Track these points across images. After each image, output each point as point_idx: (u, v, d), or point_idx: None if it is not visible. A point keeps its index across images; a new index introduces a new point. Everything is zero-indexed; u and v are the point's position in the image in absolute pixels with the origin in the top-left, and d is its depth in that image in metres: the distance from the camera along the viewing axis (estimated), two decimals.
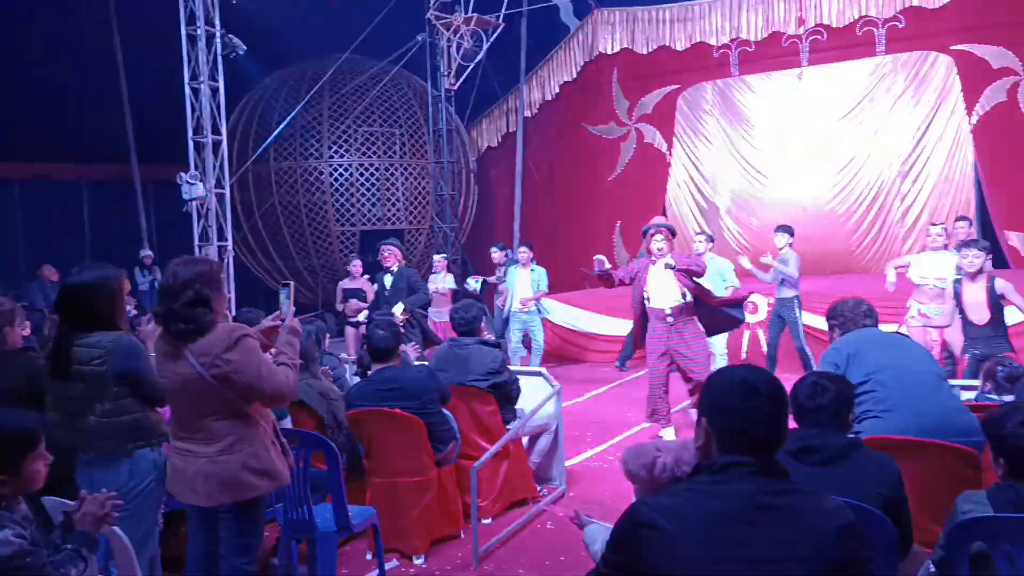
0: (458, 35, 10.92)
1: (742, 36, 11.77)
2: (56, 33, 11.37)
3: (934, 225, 6.56)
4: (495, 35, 11.17)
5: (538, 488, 4.92)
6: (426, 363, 4.69)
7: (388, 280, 7.29)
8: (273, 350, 2.88)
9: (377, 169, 11.89)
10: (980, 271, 5.24)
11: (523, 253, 8.53)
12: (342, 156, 11.82)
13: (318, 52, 11.71)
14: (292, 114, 10.79)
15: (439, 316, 8.36)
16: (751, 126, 12.10)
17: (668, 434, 5.91)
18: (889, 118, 11.27)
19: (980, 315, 5.23)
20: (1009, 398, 3.45)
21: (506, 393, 4.61)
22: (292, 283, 3.08)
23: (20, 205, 12.92)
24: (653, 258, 5.76)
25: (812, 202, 11.69)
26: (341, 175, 11.81)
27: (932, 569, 2.57)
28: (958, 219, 7.18)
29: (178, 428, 2.80)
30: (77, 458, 3.01)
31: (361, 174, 11.84)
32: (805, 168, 11.71)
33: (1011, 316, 5.52)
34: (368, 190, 11.85)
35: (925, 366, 3.44)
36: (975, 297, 5.24)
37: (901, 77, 11.21)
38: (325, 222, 11.82)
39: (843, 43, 11.22)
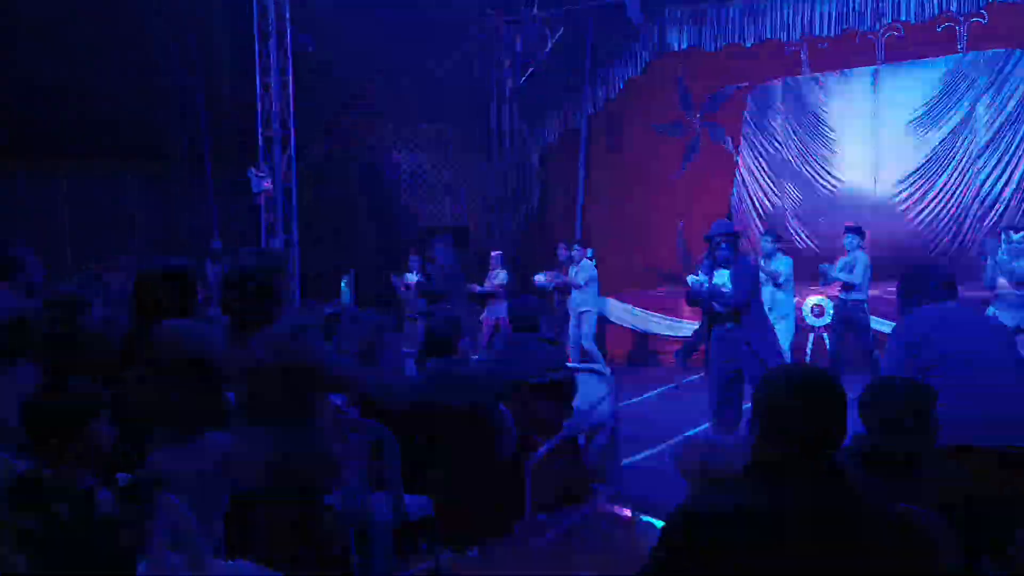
0: (522, 32, 10.92)
1: (815, 33, 11.46)
2: (136, 33, 11.79)
3: (1016, 232, 6.32)
4: (560, 32, 11.14)
5: (593, 486, 4.88)
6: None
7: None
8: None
9: (439, 166, 12.01)
10: None
11: (576, 252, 8.56)
12: (404, 152, 11.97)
13: (377, 46, 11.85)
14: (351, 110, 10.97)
15: (492, 313, 8.38)
16: (822, 125, 11.78)
17: None
18: (970, 116, 10.83)
19: None
20: None
21: (563, 390, 4.59)
22: (353, 271, 3.13)
23: (98, 199, 13.45)
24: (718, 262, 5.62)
25: (884, 204, 11.31)
26: (404, 171, 11.96)
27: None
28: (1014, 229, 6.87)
29: (244, 415, 2.88)
30: (148, 439, 3.13)
31: (423, 171, 11.98)
32: (878, 169, 11.34)
33: None
34: (429, 186, 11.98)
35: (1003, 351, 3.17)
36: None
37: (983, 75, 10.75)
38: (387, 218, 11.99)
39: (921, 40, 10.82)
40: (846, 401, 1.58)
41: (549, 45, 11.17)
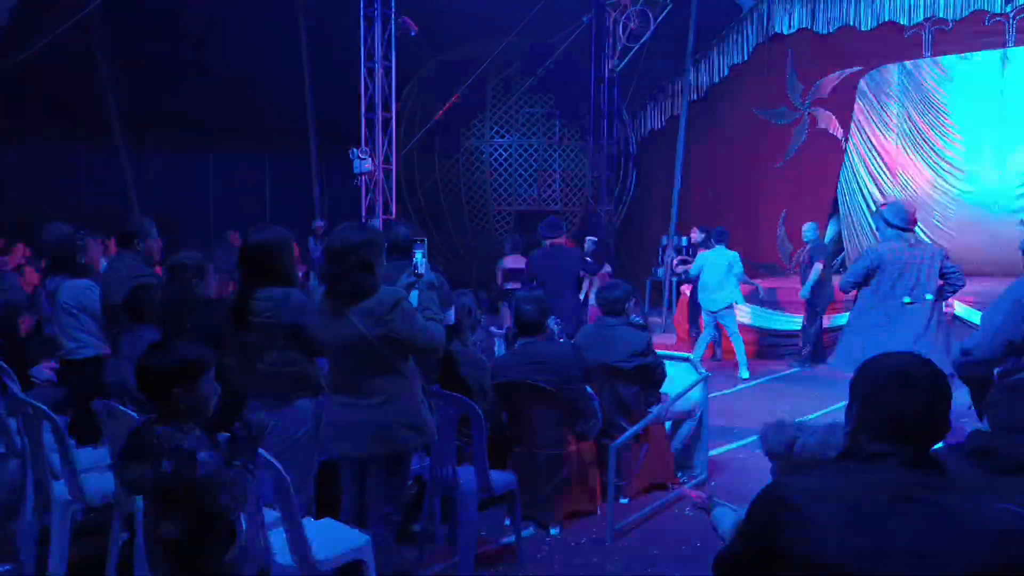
0: (625, 15, 10.78)
1: (939, 15, 10.78)
2: (251, 20, 12.33)
3: None
4: (663, 14, 10.93)
5: (678, 475, 4.84)
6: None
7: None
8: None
9: (536, 150, 12.04)
10: None
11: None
12: (503, 136, 12.06)
13: (486, 34, 11.97)
14: (455, 95, 11.12)
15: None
16: (942, 112, 11.13)
17: None
18: None
19: None
20: None
21: (650, 376, 4.56)
22: (426, 239, 3.20)
23: (212, 178, 14.21)
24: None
25: (1006, 202, 10.60)
26: (501, 155, 12.06)
27: None
28: None
29: (338, 383, 3.01)
30: (248, 402, 3.31)
31: (520, 154, 12.04)
32: (1003, 162, 10.62)
33: None
34: (527, 171, 12.04)
35: None
36: None
37: None
38: (484, 201, 12.13)
39: None
40: (950, 393, 1.52)
41: (652, 28, 10.97)
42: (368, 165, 9.12)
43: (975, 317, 7.71)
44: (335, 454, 3.26)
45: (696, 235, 8.96)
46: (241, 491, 2.07)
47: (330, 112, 12.13)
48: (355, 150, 9.29)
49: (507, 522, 4.18)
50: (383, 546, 2.99)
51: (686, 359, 5.04)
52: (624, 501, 4.46)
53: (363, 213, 9.57)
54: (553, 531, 4.14)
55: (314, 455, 3.44)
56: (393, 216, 9.74)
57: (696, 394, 4.82)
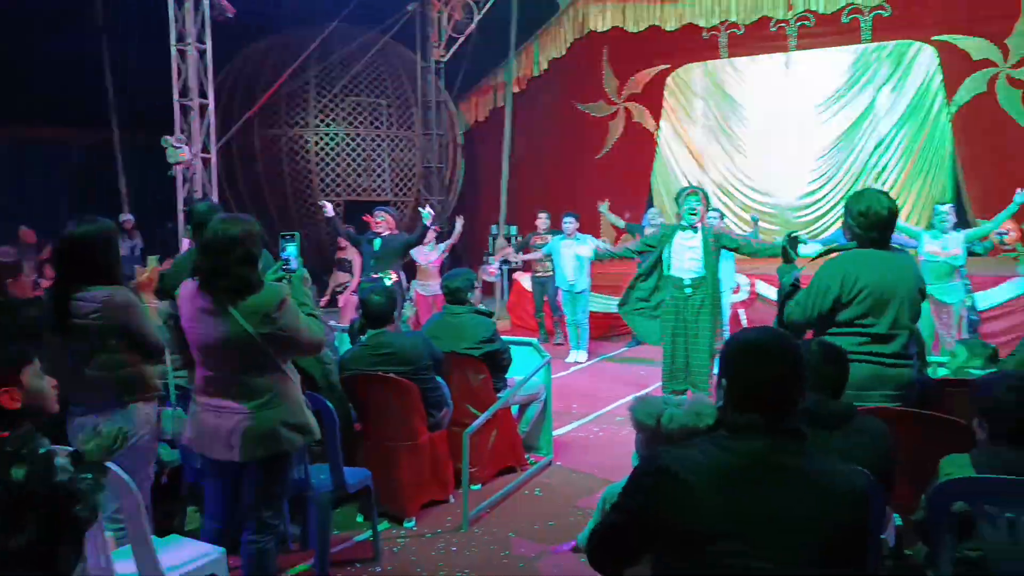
0: (449, 6, 10.82)
1: (731, 19, 11.79)
2: None
3: (942, 204, 6.79)
4: (486, 8, 11.09)
5: (526, 456, 4.99)
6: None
7: (377, 244, 7.27)
8: None
9: (364, 139, 11.80)
10: None
11: (569, 224, 8.36)
12: (328, 125, 11.71)
13: (307, 19, 11.55)
14: (279, 82, 10.65)
15: (425, 289, 8.35)
16: (739, 108, 12.17)
17: None
18: (872, 104, 11.40)
19: None
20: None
21: (498, 362, 4.66)
22: (298, 233, 3.09)
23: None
24: (682, 224, 5.69)
25: (796, 186, 11.82)
26: (327, 144, 11.70)
27: (898, 523, 2.67)
28: (940, 203, 7.32)
29: (210, 385, 2.83)
30: (69, 411, 3.01)
31: (347, 144, 11.74)
32: (791, 151, 11.82)
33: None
34: (354, 160, 11.76)
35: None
36: None
37: (885, 65, 11.32)
38: (310, 191, 11.72)
39: (830, 29, 11.27)
40: (803, 363, 1.68)
41: (475, 20, 11.10)
42: (184, 154, 8.52)
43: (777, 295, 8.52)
44: (217, 458, 3.04)
45: (544, 221, 9.18)
46: (93, 503, 1.90)
47: (140, 97, 11.19)
48: (168, 137, 8.64)
49: (359, 518, 4.13)
50: (264, 552, 2.86)
51: (529, 343, 5.18)
52: (476, 488, 4.53)
53: (179, 206, 8.94)
54: (408, 524, 4.13)
55: (149, 465, 3.21)
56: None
57: (540, 377, 4.98)
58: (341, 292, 8.28)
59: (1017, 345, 3.90)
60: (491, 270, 9.72)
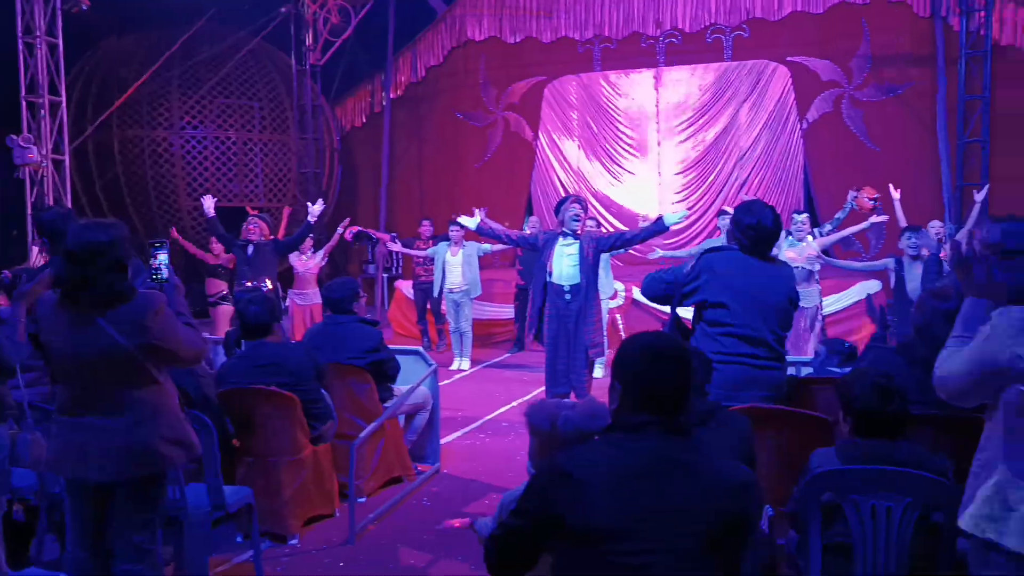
0: (325, 9, 10.59)
1: (604, 33, 12.20)
2: None
3: (799, 213, 7.25)
4: (363, 12, 10.93)
5: (413, 466, 4.94)
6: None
7: (251, 250, 6.99)
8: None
9: (235, 143, 11.33)
10: (919, 255, 5.99)
11: (457, 231, 8.27)
12: (195, 128, 11.16)
13: (171, 14, 10.97)
14: (142, 79, 10.05)
15: (303, 298, 8.10)
16: (613, 120, 12.60)
17: None
18: (734, 119, 12.11)
19: (915, 292, 5.97)
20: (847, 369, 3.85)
21: (385, 371, 4.59)
22: (167, 241, 2.94)
23: None
24: (564, 230, 5.75)
25: (666, 196, 12.36)
26: (194, 147, 11.15)
27: (771, 513, 2.85)
28: (797, 212, 7.86)
29: (77, 402, 2.63)
30: None
31: (217, 147, 11.23)
32: (660, 163, 12.36)
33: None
34: (224, 164, 11.27)
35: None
36: (915, 276, 5.96)
37: (746, 83, 12.06)
38: (175, 196, 11.13)
39: (695, 48, 11.90)
40: (692, 366, 1.75)
41: (352, 24, 10.92)
42: (33, 155, 7.87)
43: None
44: (88, 479, 2.81)
45: (428, 228, 9.11)
46: None
47: None
48: (14, 137, 7.96)
49: (239, 539, 3.96)
50: None
51: (415, 352, 5.14)
52: (362, 500, 4.43)
53: (28, 211, 8.25)
54: (292, 541, 3.99)
55: (3, 492, 2.96)
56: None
57: (427, 386, 4.95)
58: (219, 303, 7.89)
59: (866, 346, 4.24)
60: (388, 241, 9.40)
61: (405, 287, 10.27)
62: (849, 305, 8.32)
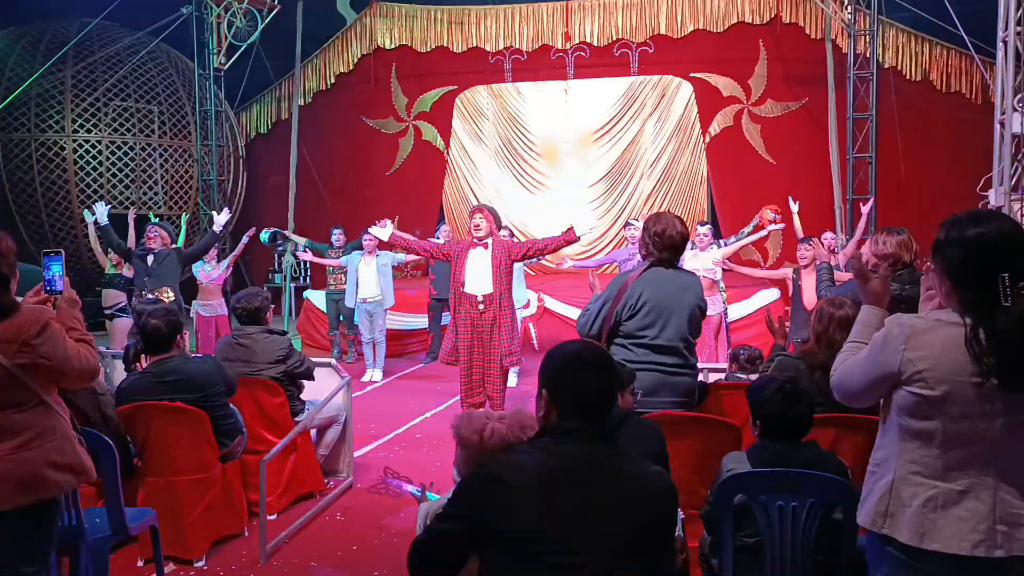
0: (230, 12, 10.29)
1: (515, 45, 12.34)
2: None
3: (703, 224, 7.48)
4: (271, 17, 10.67)
5: (325, 480, 4.83)
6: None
7: (151, 260, 6.69)
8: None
9: (132, 148, 10.84)
10: (811, 263, 6.24)
11: (370, 241, 8.10)
12: (89, 131, 10.62)
13: (62, 11, 10.43)
14: (30, 79, 9.49)
15: (207, 310, 7.80)
16: (524, 131, 12.74)
17: None
18: (641, 132, 12.47)
19: (813, 301, 6.19)
20: (754, 376, 4.02)
21: (299, 375, 4.49)
22: (62, 252, 2.78)
23: None
24: (474, 240, 5.75)
25: (577, 207, 12.59)
26: (88, 152, 10.60)
27: (682, 516, 2.95)
28: (700, 224, 8.15)
29: None
30: None
31: (113, 152, 10.71)
32: (571, 174, 12.58)
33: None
34: (120, 170, 10.76)
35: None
36: (810, 286, 6.19)
37: (651, 97, 12.45)
38: (67, 203, 10.54)
39: (603, 61, 12.18)
40: (618, 373, 1.79)
41: (259, 29, 10.64)
42: None
43: (564, 310, 9.01)
44: None
45: (339, 237, 8.90)
46: None
47: None
48: None
49: (140, 563, 3.77)
50: None
51: (328, 364, 5.04)
52: (272, 518, 4.30)
53: None
54: (198, 563, 3.83)
55: None
56: None
57: (339, 398, 4.86)
58: (117, 315, 7.50)
59: (770, 355, 4.43)
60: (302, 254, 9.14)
61: (315, 297, 10.05)
62: (752, 312, 8.67)
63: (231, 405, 4.01)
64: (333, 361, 5.09)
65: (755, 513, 2.44)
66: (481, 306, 5.68)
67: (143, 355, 4.04)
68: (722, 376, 4.44)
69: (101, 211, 6.85)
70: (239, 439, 4.06)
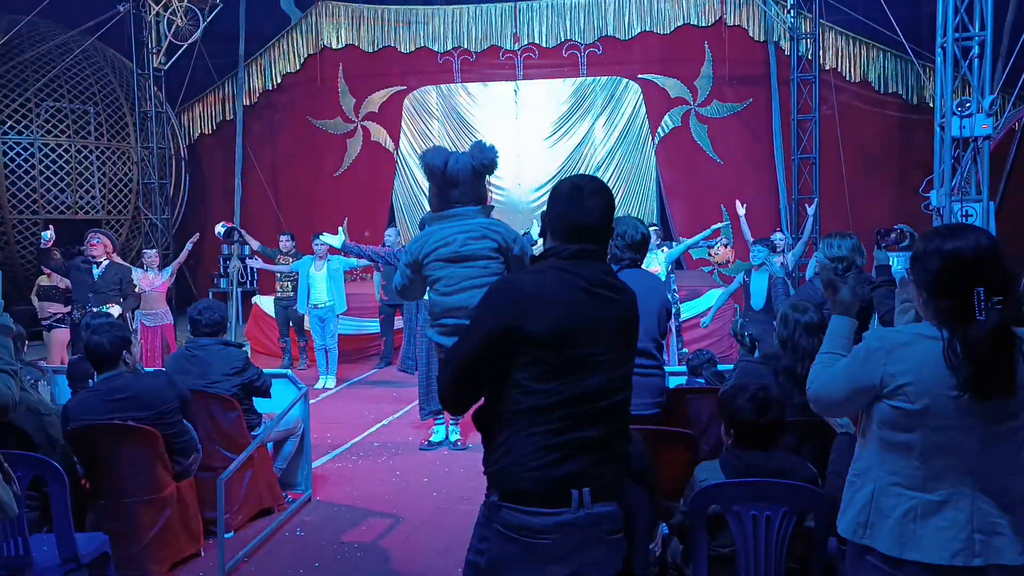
0: (169, 10, 9.97)
1: (464, 46, 12.28)
2: None
3: (653, 226, 7.55)
4: (212, 15, 10.38)
5: (284, 495, 4.71)
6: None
7: (96, 272, 6.43)
8: None
9: (67, 151, 10.42)
10: (761, 264, 6.33)
11: (320, 246, 7.93)
12: (20, 133, 10.17)
13: None
14: None
15: (151, 319, 7.53)
16: (474, 132, 12.67)
17: (439, 434, 5.93)
18: (590, 133, 12.53)
19: (760, 302, 6.37)
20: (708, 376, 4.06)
21: (256, 389, 4.36)
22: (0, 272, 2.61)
23: None
24: None
25: (528, 209, 12.59)
26: (19, 155, 10.15)
27: (666, 531, 2.94)
28: (651, 225, 8.23)
29: None
30: None
31: (46, 155, 10.28)
32: (522, 175, 12.56)
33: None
34: (55, 174, 10.33)
35: None
36: (759, 286, 6.27)
37: (600, 98, 12.51)
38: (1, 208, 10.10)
39: (552, 62, 12.23)
40: (613, 200, 2.04)
41: (201, 27, 10.34)
42: None
43: None
44: None
45: (287, 243, 8.69)
46: None
47: None
48: None
49: None
50: None
51: (284, 374, 4.91)
52: (230, 536, 4.17)
53: None
54: None
55: None
56: None
57: (297, 411, 4.74)
58: (55, 325, 7.19)
59: (737, 360, 4.48)
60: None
61: (265, 302, 9.81)
62: (702, 312, 8.77)
63: (185, 422, 3.87)
64: (289, 372, 4.96)
65: (729, 522, 2.45)
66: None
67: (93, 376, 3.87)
68: (681, 380, 4.47)
69: (48, 235, 6.61)
70: (194, 456, 3.92)
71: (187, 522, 3.91)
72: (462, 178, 3.01)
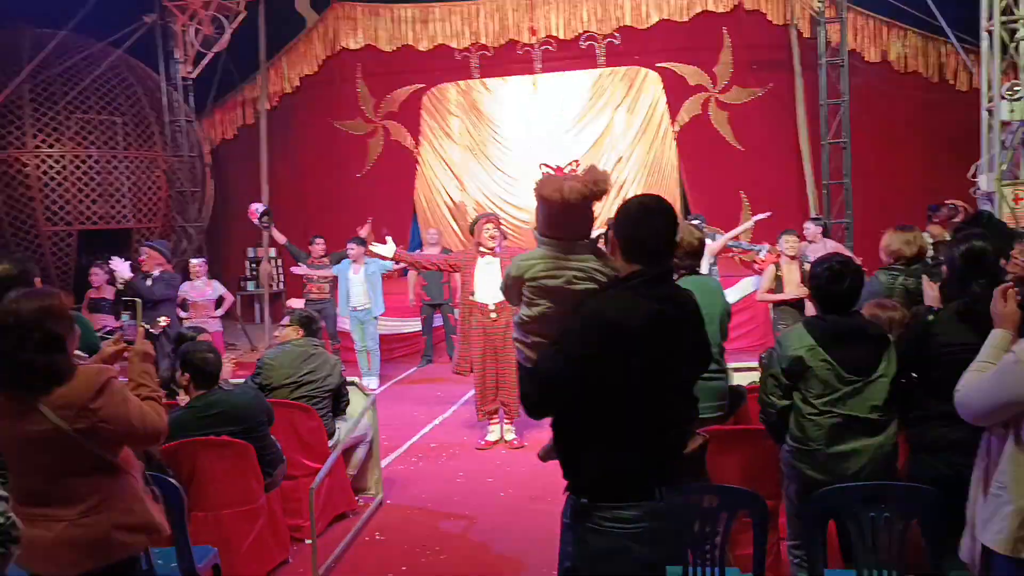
0: (195, 20, 10.02)
1: (481, 41, 12.29)
2: None
3: (697, 218, 7.59)
4: (237, 21, 10.43)
5: (358, 500, 4.83)
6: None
7: (149, 283, 6.54)
8: (129, 383, 2.53)
9: (97, 161, 10.50)
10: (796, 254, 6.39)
11: (353, 250, 8.00)
12: (51, 146, 10.26)
13: (24, 23, 10.04)
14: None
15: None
16: (494, 127, 12.71)
17: (494, 433, 6.03)
18: (610, 123, 12.55)
19: (799, 292, 6.33)
20: None
21: (342, 401, 4.50)
22: (138, 301, 2.72)
23: None
24: (482, 249, 5.76)
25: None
26: (51, 168, 10.25)
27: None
28: (694, 218, 8.28)
29: (26, 493, 2.34)
30: None
31: (77, 167, 10.37)
32: (542, 169, 12.58)
33: None
34: (86, 185, 10.42)
35: None
36: (793, 277, 6.30)
37: (619, 88, 12.52)
38: (33, 222, 10.19)
39: (570, 54, 12.22)
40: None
41: (227, 35, 10.37)
42: None
43: None
44: None
45: (320, 247, 8.72)
46: None
47: None
48: None
49: None
50: None
51: (351, 383, 5.01)
52: (309, 542, 4.29)
53: None
54: None
55: None
56: None
57: (368, 417, 4.85)
58: (104, 338, 7.30)
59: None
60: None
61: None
62: (738, 300, 8.84)
63: (271, 435, 3.98)
64: (356, 380, 5.07)
65: (846, 524, 2.54)
66: (493, 314, 5.72)
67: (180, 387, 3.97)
68: (753, 377, 4.53)
69: (124, 268, 6.73)
70: (280, 467, 4.04)
71: (276, 530, 4.03)
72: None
